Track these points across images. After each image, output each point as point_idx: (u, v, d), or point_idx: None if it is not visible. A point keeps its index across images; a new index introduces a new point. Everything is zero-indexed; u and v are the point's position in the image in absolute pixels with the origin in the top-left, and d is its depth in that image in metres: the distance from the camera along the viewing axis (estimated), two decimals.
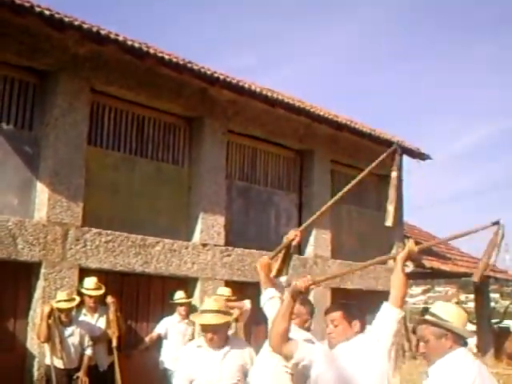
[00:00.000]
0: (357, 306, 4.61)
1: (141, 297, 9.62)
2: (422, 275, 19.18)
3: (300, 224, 12.23)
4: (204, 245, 10.19)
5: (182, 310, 9.35)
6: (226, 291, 9.63)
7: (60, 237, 8.52)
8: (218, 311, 5.51)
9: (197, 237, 10.21)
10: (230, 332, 8.01)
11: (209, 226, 10.29)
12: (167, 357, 9.24)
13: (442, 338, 3.94)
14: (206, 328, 5.49)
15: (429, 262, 15.14)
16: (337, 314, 4.37)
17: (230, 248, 10.57)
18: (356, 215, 13.60)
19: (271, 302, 4.96)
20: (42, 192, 8.56)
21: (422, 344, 4.06)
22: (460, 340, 3.98)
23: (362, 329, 4.37)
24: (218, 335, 5.44)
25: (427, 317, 4.07)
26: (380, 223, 13.91)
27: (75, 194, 8.75)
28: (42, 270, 8.35)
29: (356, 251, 13.25)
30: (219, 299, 5.89)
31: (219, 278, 10.28)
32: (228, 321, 5.60)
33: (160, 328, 9.32)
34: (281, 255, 5.22)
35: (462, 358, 3.91)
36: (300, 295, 4.31)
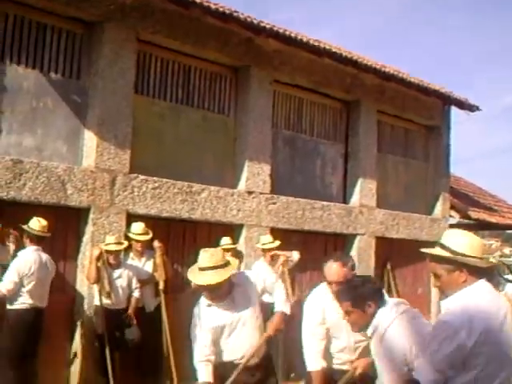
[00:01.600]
0: (366, 282, 4.49)
1: (187, 242, 9.86)
2: (467, 227, 19.06)
3: (345, 174, 12.34)
4: (249, 192, 10.34)
5: (228, 255, 9.55)
6: (268, 239, 9.86)
7: (108, 183, 8.76)
8: (216, 267, 5.18)
9: (242, 184, 10.36)
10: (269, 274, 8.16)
11: (254, 174, 10.43)
12: None
13: (454, 272, 3.71)
14: (206, 288, 5.26)
15: (475, 214, 15.06)
16: (347, 304, 4.35)
17: (275, 196, 10.71)
18: (402, 166, 13.58)
19: None
20: (90, 140, 8.78)
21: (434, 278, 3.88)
22: (476, 272, 3.72)
23: (378, 306, 4.30)
24: (219, 292, 5.29)
25: (438, 251, 3.79)
26: (426, 174, 13.95)
27: (123, 142, 8.96)
28: (91, 215, 8.62)
29: (401, 201, 13.28)
30: (216, 252, 5.34)
31: (264, 225, 10.44)
32: (228, 276, 5.25)
33: None
34: None
35: (479, 292, 3.68)
36: None
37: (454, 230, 4.19)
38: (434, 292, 13.41)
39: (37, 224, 7.59)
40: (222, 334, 5.41)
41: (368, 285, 4.43)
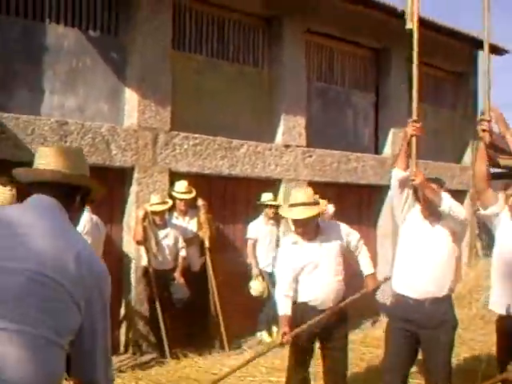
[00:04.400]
0: None
1: (227, 199, 9.77)
2: (497, 176, 18.87)
3: (377, 124, 12.20)
4: (286, 146, 10.21)
5: (270, 211, 9.45)
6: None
7: (150, 142, 8.63)
8: (305, 204, 5.53)
9: (279, 138, 10.22)
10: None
11: (290, 128, 10.29)
12: (258, 258, 9.48)
13: None
14: (296, 222, 5.62)
15: (503, 161, 14.86)
16: None
17: (311, 149, 10.58)
18: (432, 114, 13.39)
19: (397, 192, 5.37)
20: (130, 98, 8.62)
21: None
22: None
23: None
24: (308, 228, 5.59)
25: None
26: (454, 122, 13.76)
27: (163, 99, 8.79)
28: (135, 175, 8.51)
29: (432, 150, 13.13)
30: (307, 191, 5.85)
31: (302, 178, 10.34)
32: (317, 213, 5.61)
33: (252, 233, 9.44)
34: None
35: None
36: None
37: None
38: None
39: None
40: (301, 272, 5.64)
41: None
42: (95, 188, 2.85)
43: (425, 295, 5.20)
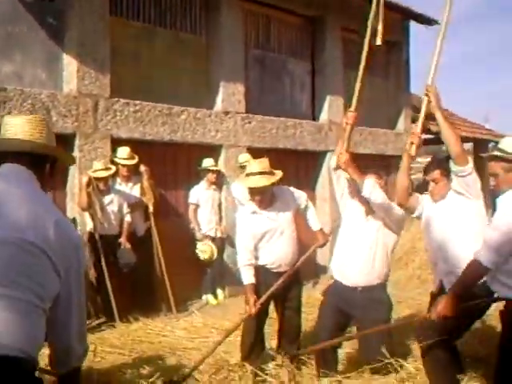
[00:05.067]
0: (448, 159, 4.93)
1: (168, 165, 9.81)
2: (429, 142, 19.32)
3: (314, 91, 12.38)
4: (226, 113, 10.30)
5: (212, 176, 9.56)
6: (246, 157, 9.82)
7: (91, 108, 8.59)
8: (263, 173, 5.71)
9: (219, 105, 10.30)
10: None
11: (230, 94, 10.37)
12: (200, 223, 9.58)
13: (510, 171, 4.18)
14: (252, 191, 5.74)
15: (434, 127, 15.24)
16: (437, 172, 5.01)
17: (250, 115, 10.69)
18: (365, 83, 13.63)
19: (336, 179, 5.63)
20: (69, 64, 8.55)
21: (491, 178, 4.32)
22: None
23: None
24: (264, 196, 5.76)
25: (496, 152, 4.24)
26: (388, 91, 14.03)
27: (102, 65, 8.74)
28: (77, 142, 8.46)
29: (366, 117, 13.37)
30: (264, 161, 5.92)
31: (241, 144, 10.45)
32: (273, 182, 5.75)
33: (193, 198, 9.56)
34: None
35: None
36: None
37: (510, 137, 4.54)
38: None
39: None
40: (261, 239, 5.80)
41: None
42: (63, 157, 2.90)
43: (356, 284, 5.39)
